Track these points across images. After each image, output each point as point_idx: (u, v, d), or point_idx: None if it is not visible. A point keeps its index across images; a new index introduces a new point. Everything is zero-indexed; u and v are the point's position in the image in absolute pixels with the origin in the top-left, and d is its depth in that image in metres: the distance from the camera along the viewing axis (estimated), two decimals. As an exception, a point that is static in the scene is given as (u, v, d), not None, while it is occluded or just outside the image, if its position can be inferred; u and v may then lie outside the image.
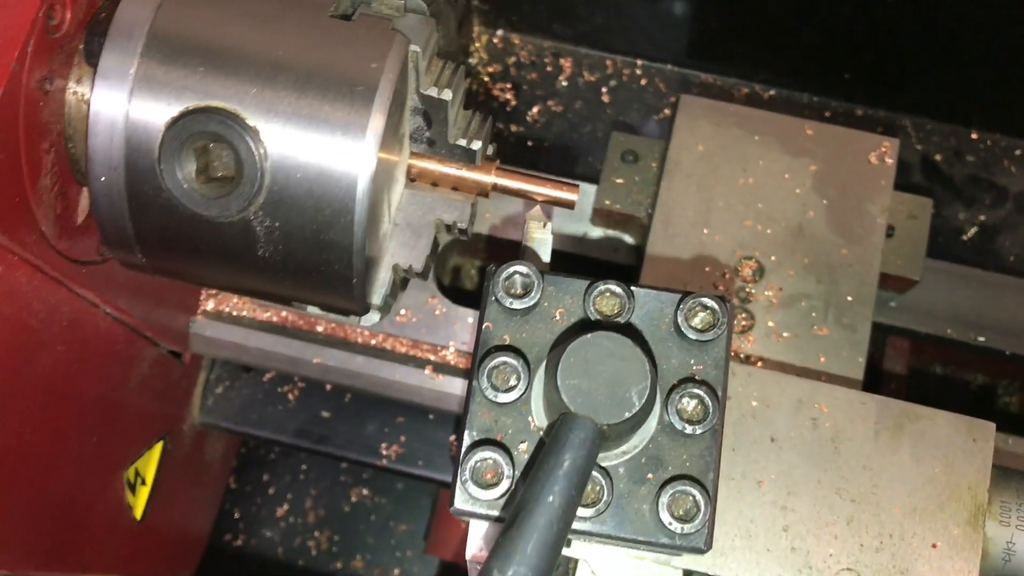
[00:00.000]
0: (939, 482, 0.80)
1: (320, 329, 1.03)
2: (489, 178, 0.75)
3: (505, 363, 0.63)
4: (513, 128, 1.23)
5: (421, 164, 0.75)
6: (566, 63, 1.25)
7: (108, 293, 0.84)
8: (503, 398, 0.63)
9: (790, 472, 0.80)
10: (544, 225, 0.75)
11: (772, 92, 1.23)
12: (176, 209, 0.67)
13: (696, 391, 0.63)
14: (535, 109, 1.23)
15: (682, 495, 0.63)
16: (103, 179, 0.68)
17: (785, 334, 0.93)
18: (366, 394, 1.10)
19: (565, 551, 0.80)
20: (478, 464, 0.62)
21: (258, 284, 0.73)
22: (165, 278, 0.78)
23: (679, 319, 0.65)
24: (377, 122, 0.66)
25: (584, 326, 0.63)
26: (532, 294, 0.64)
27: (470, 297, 1.08)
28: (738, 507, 0.79)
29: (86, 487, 0.91)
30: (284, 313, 1.04)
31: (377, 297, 0.74)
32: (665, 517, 0.62)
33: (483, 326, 0.66)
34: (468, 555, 0.70)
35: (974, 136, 1.22)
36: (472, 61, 1.25)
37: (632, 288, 0.66)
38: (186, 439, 1.13)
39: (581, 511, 0.62)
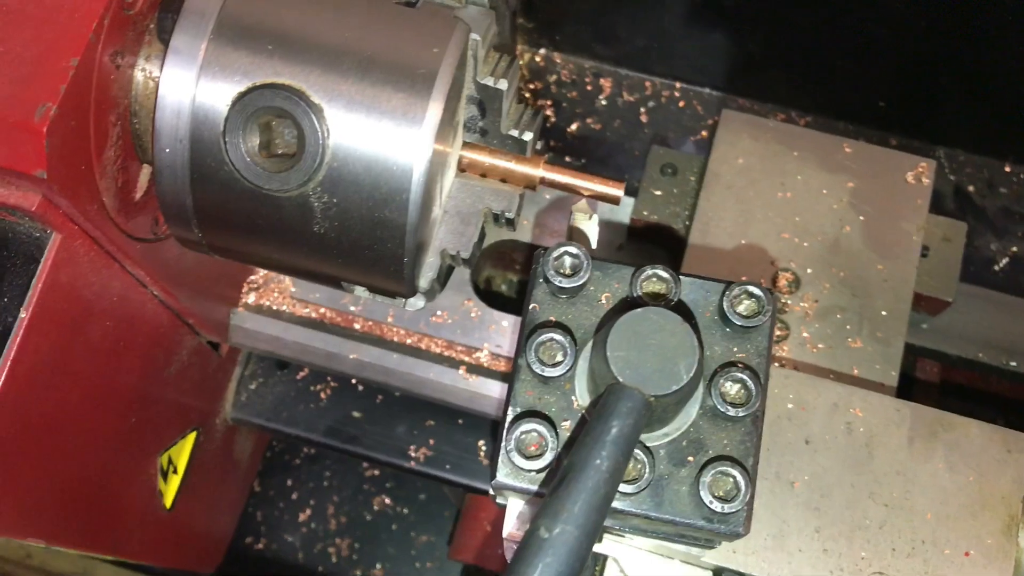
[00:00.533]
0: (972, 491, 0.81)
1: (357, 327, 1.05)
2: (537, 171, 0.77)
3: (552, 339, 0.64)
4: (552, 144, 1.25)
5: (472, 155, 0.76)
6: (606, 83, 1.28)
7: (157, 274, 0.86)
8: (549, 372, 0.64)
9: (824, 474, 0.81)
10: (589, 217, 0.77)
11: (808, 119, 1.24)
12: (237, 183, 0.69)
13: (739, 375, 0.64)
14: (574, 126, 1.26)
15: (723, 476, 0.63)
16: (167, 151, 0.70)
17: (820, 345, 0.94)
18: (398, 394, 1.12)
19: (596, 547, 0.80)
20: (523, 435, 0.63)
21: (312, 262, 0.74)
22: (218, 256, 0.79)
23: (725, 305, 0.66)
24: (436, 107, 0.68)
25: (630, 305, 0.64)
26: (581, 274, 0.65)
27: (505, 302, 1.09)
28: (771, 507, 0.80)
29: (122, 467, 0.92)
30: (323, 310, 1.05)
31: (424, 281, 0.76)
32: (706, 496, 0.63)
33: (530, 307, 0.68)
34: (505, 533, 0.70)
35: (1007, 169, 1.23)
36: (514, 77, 1.28)
37: (679, 275, 0.67)
38: (217, 434, 1.14)
39: (622, 487, 0.62)
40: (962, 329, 1.06)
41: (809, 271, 0.97)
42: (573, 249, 0.66)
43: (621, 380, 0.58)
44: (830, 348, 0.94)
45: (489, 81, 0.72)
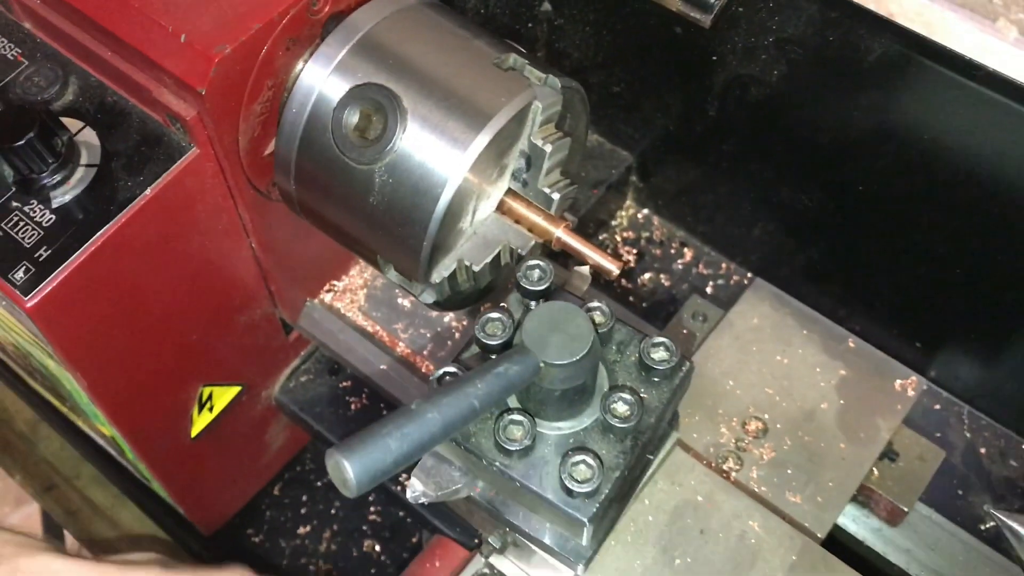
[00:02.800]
0: (830, 630, 0.87)
1: (398, 350, 1.23)
2: (556, 230, 0.94)
3: (500, 319, 0.80)
4: (624, 283, 1.43)
5: (511, 202, 0.95)
6: (688, 253, 1.45)
7: (259, 228, 1.08)
8: (489, 341, 0.79)
9: (705, 563, 0.90)
10: (586, 274, 0.94)
11: (850, 338, 1.36)
12: (329, 147, 0.91)
13: (629, 396, 0.78)
14: (647, 276, 1.43)
15: (587, 466, 0.76)
16: (294, 111, 0.93)
17: (763, 488, 1.04)
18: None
19: (497, 563, 0.92)
20: (448, 376, 0.78)
21: (362, 227, 0.94)
22: (302, 215, 1.01)
23: (642, 347, 0.80)
24: (482, 139, 0.87)
25: (561, 302, 0.80)
26: (544, 280, 0.82)
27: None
28: (649, 571, 0.89)
29: (171, 368, 1.11)
30: (378, 327, 1.24)
31: (437, 276, 0.94)
32: (565, 475, 0.75)
33: (500, 305, 0.84)
34: (409, 495, 0.84)
35: (1024, 446, 1.30)
36: (613, 223, 1.48)
37: (617, 318, 0.83)
38: (259, 406, 1.33)
39: (506, 443, 0.76)
40: (913, 546, 1.12)
41: (779, 426, 1.08)
42: (543, 263, 0.83)
43: (525, 343, 0.74)
44: (771, 493, 1.04)
45: (538, 141, 0.91)
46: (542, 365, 0.73)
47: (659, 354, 0.81)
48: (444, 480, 0.82)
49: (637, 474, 0.88)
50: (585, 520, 0.76)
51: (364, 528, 1.53)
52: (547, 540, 0.83)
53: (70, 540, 1.60)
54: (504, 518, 0.84)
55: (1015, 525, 0.89)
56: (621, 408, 0.78)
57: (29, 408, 1.66)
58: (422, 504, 0.81)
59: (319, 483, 1.56)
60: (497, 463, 0.77)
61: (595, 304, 0.82)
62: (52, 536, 1.80)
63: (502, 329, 0.80)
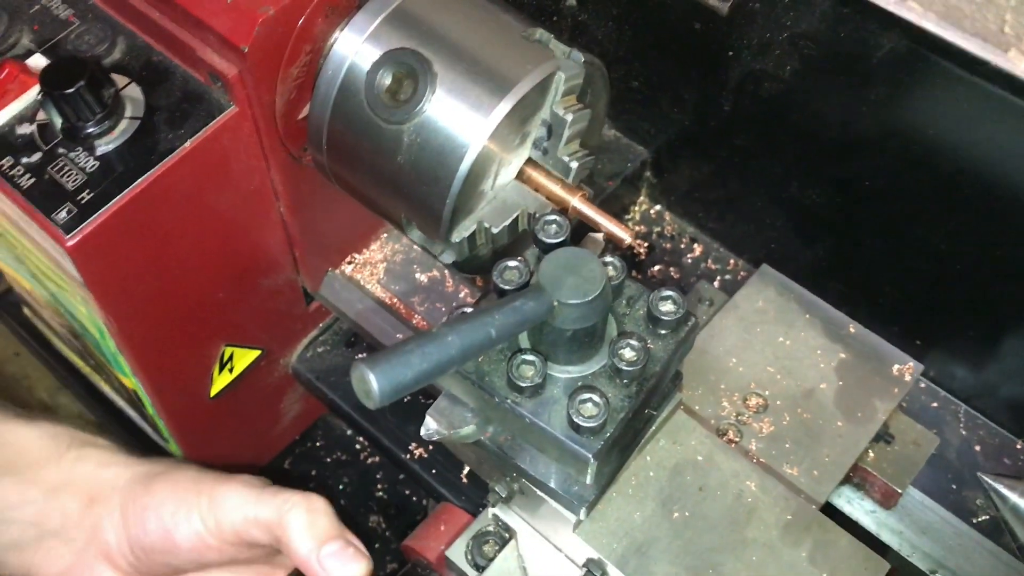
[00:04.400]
0: (821, 586, 0.91)
1: (414, 321, 1.27)
2: (572, 199, 0.99)
3: (517, 267, 0.85)
4: (634, 274, 1.47)
5: (531, 171, 1.00)
6: (698, 248, 1.50)
7: (289, 192, 1.13)
8: (506, 286, 0.84)
9: (703, 518, 0.94)
10: (597, 244, 0.98)
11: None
12: (361, 107, 0.96)
13: (637, 344, 0.82)
14: (656, 268, 1.47)
15: (593, 404, 0.80)
16: (329, 73, 0.99)
17: (762, 459, 1.07)
18: (422, 399, 1.32)
19: (503, 515, 0.96)
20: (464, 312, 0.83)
21: (389, 187, 0.99)
22: (329, 175, 1.06)
23: (651, 300, 0.85)
24: (504, 106, 0.92)
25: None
26: (560, 233, 0.86)
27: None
28: (649, 522, 0.93)
29: (195, 322, 1.15)
30: (395, 299, 1.29)
31: (458, 236, 0.99)
32: (573, 411, 0.79)
33: (517, 258, 0.89)
34: (423, 432, 0.88)
35: (1018, 446, 1.33)
36: (627, 217, 1.53)
37: (632, 272, 0.87)
38: (276, 374, 1.37)
39: (518, 380, 0.80)
40: (906, 528, 1.15)
41: (778, 403, 1.11)
42: (560, 219, 0.87)
43: (540, 282, 0.78)
44: (768, 466, 1.07)
45: (559, 111, 0.96)
46: (556, 304, 0.77)
47: (667, 306, 0.85)
48: (456, 420, 0.86)
49: (640, 426, 0.92)
50: (590, 456, 0.79)
51: (370, 504, 1.56)
52: (552, 484, 0.87)
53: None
54: (511, 462, 0.88)
55: (1000, 488, 0.92)
56: (628, 353, 0.82)
57: (51, 376, 1.71)
58: (435, 441, 0.85)
59: (328, 459, 1.60)
60: (509, 400, 0.81)
61: (609, 259, 0.86)
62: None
63: (519, 276, 0.84)
